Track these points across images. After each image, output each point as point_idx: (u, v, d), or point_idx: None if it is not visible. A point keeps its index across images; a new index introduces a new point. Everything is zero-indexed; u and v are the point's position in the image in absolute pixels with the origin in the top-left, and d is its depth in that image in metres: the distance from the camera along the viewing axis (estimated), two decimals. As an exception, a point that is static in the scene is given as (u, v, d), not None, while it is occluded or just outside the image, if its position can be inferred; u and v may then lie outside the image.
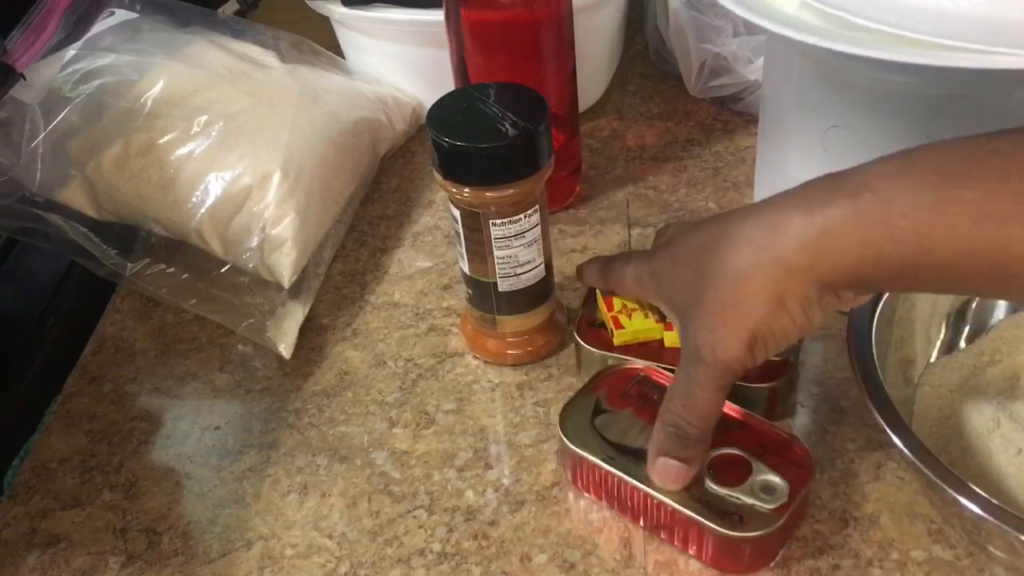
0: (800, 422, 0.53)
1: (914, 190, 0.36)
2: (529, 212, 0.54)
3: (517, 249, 0.54)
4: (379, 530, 0.50)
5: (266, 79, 0.70)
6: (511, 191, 0.52)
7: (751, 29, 0.75)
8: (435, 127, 0.51)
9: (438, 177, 0.53)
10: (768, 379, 0.52)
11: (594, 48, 0.78)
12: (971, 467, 0.47)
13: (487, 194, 0.52)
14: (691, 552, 0.47)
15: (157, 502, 0.53)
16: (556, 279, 0.60)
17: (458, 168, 0.52)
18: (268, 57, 0.74)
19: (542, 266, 0.57)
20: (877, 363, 0.46)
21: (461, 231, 0.54)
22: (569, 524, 0.50)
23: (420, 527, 0.50)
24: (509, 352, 0.59)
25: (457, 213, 0.54)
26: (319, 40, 0.88)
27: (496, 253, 0.54)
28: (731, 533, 0.44)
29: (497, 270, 0.55)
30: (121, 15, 0.71)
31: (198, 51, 0.71)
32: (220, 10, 0.80)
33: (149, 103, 0.65)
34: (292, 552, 0.50)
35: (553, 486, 0.51)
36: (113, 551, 0.51)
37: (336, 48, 0.83)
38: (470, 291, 0.57)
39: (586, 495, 0.50)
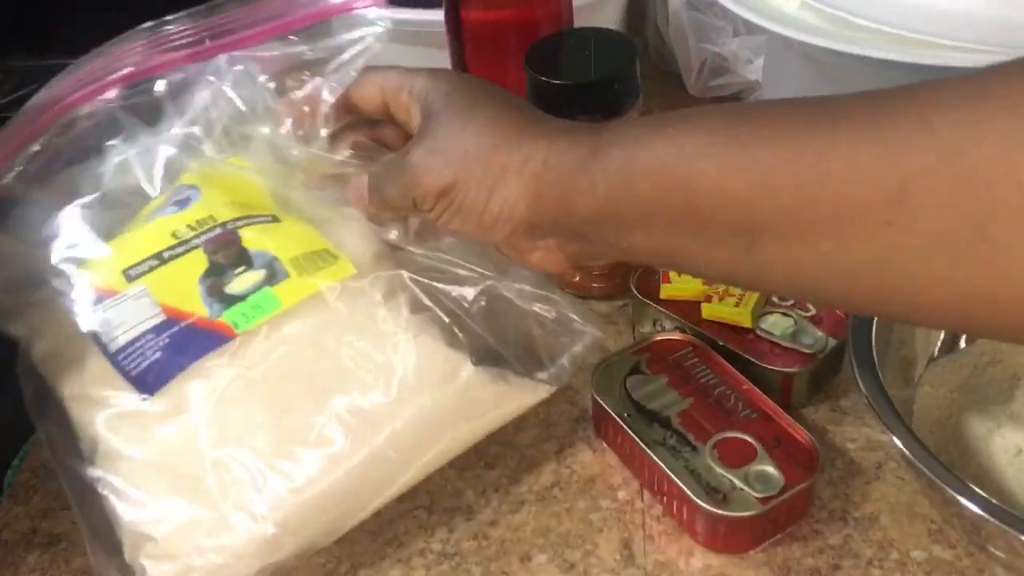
0: (800, 422, 0.53)
1: (635, 127, 0.38)
2: None
3: None
4: (379, 530, 0.50)
5: None
6: None
7: (751, 29, 0.75)
8: (530, 57, 0.57)
9: None
10: (785, 364, 0.52)
11: (594, 48, 0.78)
12: (971, 467, 0.47)
13: None
14: (677, 519, 0.48)
15: (157, 502, 0.53)
16: None
17: (531, 96, 0.57)
18: None
19: None
20: (877, 363, 0.46)
21: None
22: (569, 524, 0.50)
23: (420, 527, 0.50)
24: (594, 285, 0.63)
25: None
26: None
27: None
28: (707, 507, 0.45)
29: None
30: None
31: None
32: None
33: None
34: (292, 552, 0.50)
35: (553, 486, 0.51)
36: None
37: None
38: None
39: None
